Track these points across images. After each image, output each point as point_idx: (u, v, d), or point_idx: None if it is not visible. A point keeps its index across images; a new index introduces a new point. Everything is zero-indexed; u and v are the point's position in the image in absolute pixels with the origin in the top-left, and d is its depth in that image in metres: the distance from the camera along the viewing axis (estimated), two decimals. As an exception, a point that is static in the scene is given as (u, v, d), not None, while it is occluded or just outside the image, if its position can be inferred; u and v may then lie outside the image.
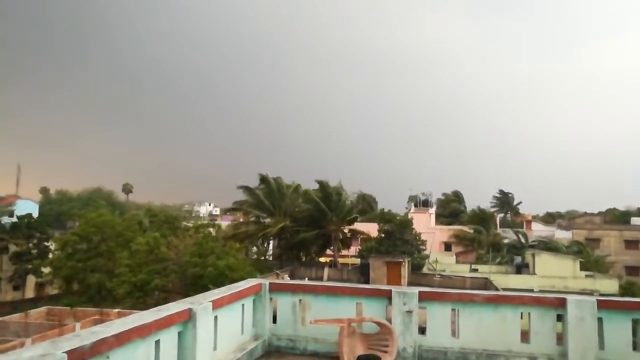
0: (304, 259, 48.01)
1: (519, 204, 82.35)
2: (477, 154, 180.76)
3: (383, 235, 45.02)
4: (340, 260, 46.46)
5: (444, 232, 62.01)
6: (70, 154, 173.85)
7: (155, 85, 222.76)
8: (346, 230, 45.81)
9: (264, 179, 45.79)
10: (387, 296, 6.89)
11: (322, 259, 48.36)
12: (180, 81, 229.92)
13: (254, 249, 49.89)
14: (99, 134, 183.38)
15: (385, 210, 53.75)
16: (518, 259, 47.85)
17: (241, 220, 53.89)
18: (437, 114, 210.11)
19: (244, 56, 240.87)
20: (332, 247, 45.94)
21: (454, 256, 54.79)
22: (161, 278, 32.24)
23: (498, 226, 64.67)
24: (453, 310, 6.82)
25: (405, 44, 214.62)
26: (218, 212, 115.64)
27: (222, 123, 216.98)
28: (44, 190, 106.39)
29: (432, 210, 68.05)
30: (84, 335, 3.78)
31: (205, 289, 28.98)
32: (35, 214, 61.32)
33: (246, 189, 46.04)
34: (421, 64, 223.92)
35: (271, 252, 51.65)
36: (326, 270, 39.49)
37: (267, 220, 45.63)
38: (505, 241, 57.47)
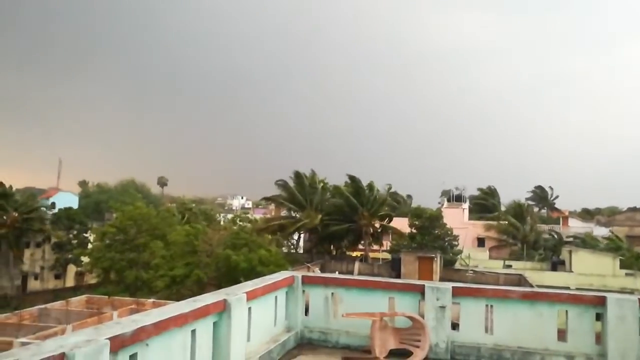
0: (334, 253, 48.14)
1: (555, 198, 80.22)
2: (513, 149, 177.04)
3: (414, 230, 44.65)
4: (371, 254, 46.37)
5: (478, 228, 60.97)
6: (109, 148, 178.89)
7: (193, 81, 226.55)
8: (377, 225, 45.64)
9: (297, 175, 46.13)
10: (420, 291, 6.85)
11: (353, 253, 48.39)
12: (217, 76, 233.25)
13: (285, 242, 50.30)
14: (135, 128, 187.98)
15: (418, 205, 53.26)
16: (554, 256, 46.69)
17: (273, 213, 54.42)
18: (472, 110, 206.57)
19: (281, 53, 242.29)
20: (362, 242, 45.88)
21: (487, 252, 53.86)
22: (198, 269, 32.89)
23: (534, 221, 63.08)
24: (487, 306, 6.73)
25: (436, 41, 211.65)
26: (250, 205, 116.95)
27: (256, 118, 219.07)
28: (83, 183, 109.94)
29: (466, 205, 66.97)
30: (124, 323, 3.91)
31: (237, 281, 29.47)
32: (75, 206, 63.48)
33: (281, 184, 46.46)
34: (456, 60, 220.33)
35: (302, 245, 51.98)
36: (357, 265, 39.49)
37: (299, 214, 45.94)
38: (543, 237, 56.12)
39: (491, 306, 6.71)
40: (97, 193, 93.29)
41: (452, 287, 6.79)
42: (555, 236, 54.78)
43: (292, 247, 49.85)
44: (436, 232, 43.88)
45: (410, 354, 6.49)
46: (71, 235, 54.33)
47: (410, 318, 6.72)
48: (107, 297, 30.65)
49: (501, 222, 59.15)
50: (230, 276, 32.72)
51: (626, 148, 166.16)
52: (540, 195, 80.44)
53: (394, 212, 49.49)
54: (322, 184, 46.88)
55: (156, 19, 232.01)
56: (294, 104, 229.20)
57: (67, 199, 70.71)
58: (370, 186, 44.45)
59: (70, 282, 55.74)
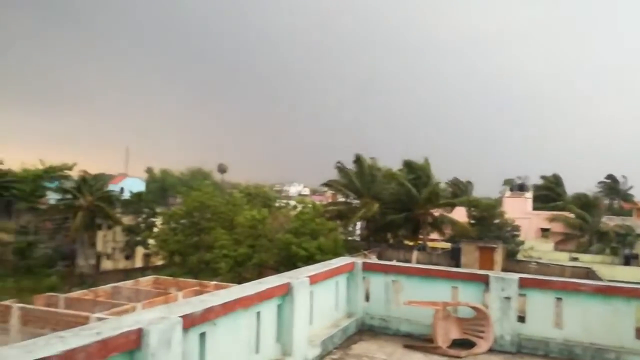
0: (391, 241, 47.82)
1: (629, 189, 75.31)
2: (582, 135, 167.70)
3: (473, 220, 43.52)
4: (430, 244, 45.69)
5: (542, 218, 58.46)
6: (173, 136, 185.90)
7: (251, 66, 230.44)
8: (436, 214, 44.83)
9: (358, 159, 45.52)
10: (484, 281, 6.67)
11: (410, 242, 47.86)
12: (275, 62, 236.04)
13: (341, 229, 50.51)
14: (197, 117, 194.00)
15: (477, 195, 51.82)
16: (628, 250, 44.04)
17: (330, 200, 54.70)
18: (537, 96, 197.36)
19: (337, 38, 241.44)
20: (420, 231, 45.25)
21: (552, 244, 51.60)
22: (259, 254, 33.75)
23: (604, 212, 59.66)
24: (556, 299, 6.45)
25: (494, 22, 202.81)
26: (307, 192, 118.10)
27: (314, 104, 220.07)
28: (149, 170, 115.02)
29: (529, 194, 64.32)
30: (194, 302, 4.06)
31: (295, 266, 29.99)
32: (142, 191, 66.60)
33: (340, 169, 46.22)
34: (521, 42, 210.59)
35: (358, 232, 52.00)
36: (415, 254, 39.06)
37: (355, 201, 45.88)
38: (615, 230, 52.99)
39: (560, 299, 6.43)
40: (162, 179, 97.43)
41: (519, 277, 6.56)
42: (627, 229, 51.54)
43: (349, 234, 50.00)
44: (496, 222, 42.57)
45: (473, 344, 6.36)
46: (140, 219, 57.15)
47: (474, 308, 6.57)
48: (172, 278, 32.08)
49: (567, 212, 56.39)
50: (289, 261, 33.39)
51: None
52: (612, 185, 75.78)
53: (453, 199, 48.28)
54: (380, 171, 46.39)
55: (215, 10, 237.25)
56: (350, 91, 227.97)
57: (135, 185, 74.37)
58: (428, 173, 43.57)
59: (138, 263, 58.82)
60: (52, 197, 59.35)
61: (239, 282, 29.67)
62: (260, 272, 35.40)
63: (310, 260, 30.08)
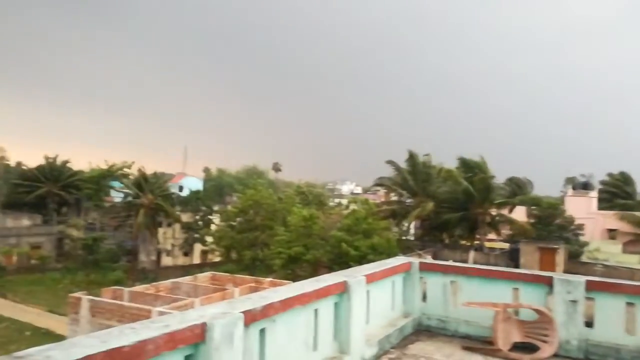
0: (446, 241, 46.86)
1: None
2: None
3: (533, 220, 41.85)
4: (487, 244, 44.39)
5: (608, 218, 55.35)
6: (228, 136, 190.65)
7: (305, 66, 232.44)
8: (493, 213, 43.49)
9: (411, 156, 44.66)
10: (548, 283, 6.41)
11: (467, 242, 46.69)
12: (327, 60, 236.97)
13: (395, 228, 49.99)
14: (252, 117, 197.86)
15: (538, 194, 49.77)
16: None
17: (382, 199, 54.30)
18: (599, 90, 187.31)
19: (390, 34, 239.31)
20: (477, 230, 44.04)
21: (620, 245, 48.74)
22: (312, 251, 34.03)
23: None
24: (627, 304, 6.10)
25: (556, 18, 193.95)
26: (360, 191, 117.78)
27: (367, 103, 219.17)
28: (206, 169, 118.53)
29: (594, 193, 61.08)
30: (254, 298, 4.15)
31: (348, 265, 30.01)
32: (200, 190, 68.79)
33: (392, 164, 45.59)
34: (586, 36, 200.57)
35: (413, 232, 51.30)
36: (471, 254, 38.09)
37: (409, 200, 45.26)
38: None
39: (632, 304, 6.08)
40: (220, 177, 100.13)
41: (586, 280, 6.25)
42: None
43: (402, 233, 49.43)
44: (558, 221, 40.75)
45: (536, 348, 6.13)
46: (197, 217, 59.07)
47: (537, 311, 6.33)
48: (229, 274, 32.90)
49: (637, 212, 53.05)
50: (342, 260, 33.47)
51: None
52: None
53: (512, 198, 46.55)
54: (435, 169, 45.43)
55: (273, 7, 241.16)
56: (403, 87, 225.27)
57: (193, 184, 76.92)
58: (485, 171, 42.26)
59: (196, 259, 60.82)
60: (116, 196, 62.43)
61: (293, 280, 30.09)
62: (314, 269, 35.68)
63: (363, 259, 29.99)
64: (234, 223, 45.47)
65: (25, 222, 58.96)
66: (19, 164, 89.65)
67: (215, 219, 55.76)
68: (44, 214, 62.09)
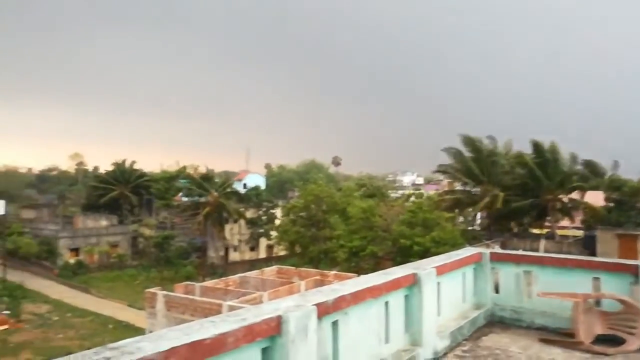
0: (514, 230, 45.08)
1: None
2: None
3: (611, 204, 39.34)
4: (559, 231, 42.30)
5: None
6: (288, 132, 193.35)
7: (364, 59, 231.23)
8: (565, 199, 41.30)
9: (474, 141, 42.70)
10: (633, 272, 6.04)
11: (536, 230, 44.68)
12: (388, 52, 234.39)
13: (460, 218, 48.73)
14: (312, 112, 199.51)
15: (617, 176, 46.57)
16: None
17: (446, 189, 53.07)
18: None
19: (450, 22, 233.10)
20: (548, 218, 42.05)
21: None
22: (373, 245, 33.92)
23: None
24: None
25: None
26: (422, 182, 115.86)
27: (427, 91, 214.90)
28: (268, 166, 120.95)
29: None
30: (326, 291, 4.19)
31: (411, 258, 29.65)
32: (262, 186, 70.36)
33: (452, 151, 43.92)
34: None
35: (479, 221, 49.83)
36: (542, 243, 36.47)
37: (474, 188, 43.77)
38: None
39: None
40: (281, 173, 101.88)
41: (677, 269, 5.83)
42: None
43: (468, 223, 48.12)
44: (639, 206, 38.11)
45: (622, 341, 5.79)
46: (261, 212, 60.44)
47: (621, 301, 5.97)
48: (294, 268, 33.46)
49: None
50: (404, 253, 33.13)
51: None
52: None
53: (586, 183, 43.81)
54: (501, 155, 43.37)
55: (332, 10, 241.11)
56: (465, 74, 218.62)
57: (256, 180, 78.75)
58: (556, 155, 40.04)
59: (262, 253, 62.30)
60: (184, 195, 65.11)
61: (357, 272, 30.16)
62: (377, 262, 35.56)
63: (426, 253, 29.52)
64: (296, 218, 46.15)
65: (103, 222, 62.80)
66: (95, 168, 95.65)
67: (278, 213, 56.85)
68: (119, 215, 65.90)
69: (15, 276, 50.45)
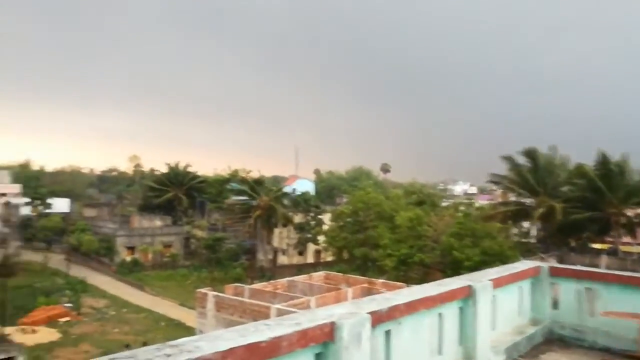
0: (572, 244, 43.05)
1: None
2: None
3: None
4: (622, 248, 40.04)
5: None
6: (338, 138, 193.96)
7: (414, 65, 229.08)
8: (630, 214, 39.04)
9: (529, 153, 41.25)
10: None
11: (597, 246, 42.49)
12: (441, 60, 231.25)
13: (514, 230, 47.18)
14: (361, 118, 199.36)
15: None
16: None
17: (500, 200, 51.54)
18: None
19: (506, 32, 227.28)
20: (610, 233, 39.89)
21: None
22: (422, 254, 33.38)
23: None
24: None
25: None
26: (474, 191, 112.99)
27: (480, 100, 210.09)
28: (317, 171, 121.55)
29: None
30: (379, 300, 4.16)
31: (461, 269, 28.91)
32: (312, 192, 70.78)
33: (509, 160, 42.52)
34: None
35: (534, 233, 48.02)
36: (604, 259, 34.61)
37: (529, 200, 42.20)
38: None
39: None
40: (330, 179, 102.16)
41: None
42: None
43: (522, 236, 46.49)
44: None
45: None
46: (309, 217, 60.78)
47: (695, 325, 5.58)
48: (342, 274, 33.36)
49: None
50: (454, 264, 32.38)
51: None
52: None
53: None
54: (560, 166, 41.52)
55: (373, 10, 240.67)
56: (522, 85, 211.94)
57: (305, 185, 79.30)
58: (620, 167, 37.96)
59: (310, 258, 62.57)
60: (235, 198, 66.50)
61: (405, 281, 29.72)
62: (427, 272, 34.93)
63: (477, 265, 28.72)
64: (344, 224, 46.09)
65: (158, 222, 65.11)
66: (151, 170, 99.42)
67: (326, 218, 56.99)
68: (172, 216, 68.11)
69: (77, 271, 53.16)
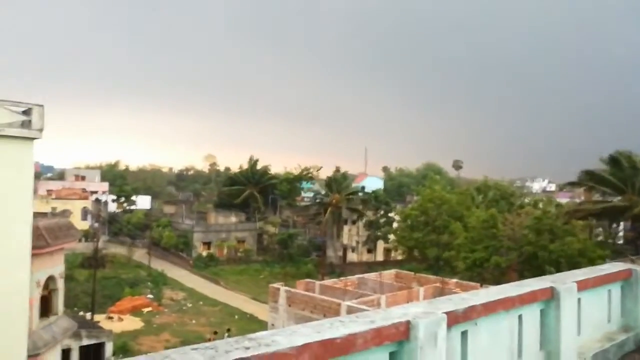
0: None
1: None
2: None
3: None
4: None
5: None
6: (407, 136, 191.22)
7: (484, 58, 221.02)
8: None
9: (613, 159, 38.40)
10: None
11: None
12: (516, 56, 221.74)
13: (599, 229, 44.28)
14: (432, 116, 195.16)
15: None
16: None
17: (582, 198, 48.53)
18: None
19: (580, 28, 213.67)
20: None
21: None
22: (498, 255, 32.19)
23: None
24: None
25: None
26: (553, 189, 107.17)
27: (559, 94, 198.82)
28: (385, 169, 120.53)
29: None
30: (455, 300, 4.04)
31: (539, 269, 27.52)
32: (381, 189, 70.28)
33: (609, 160, 39.51)
34: None
35: (621, 234, 44.80)
36: None
37: (616, 199, 39.26)
38: None
39: None
40: (399, 177, 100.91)
41: None
42: None
43: (608, 236, 43.49)
44: None
45: None
46: (379, 215, 60.41)
47: None
48: (413, 273, 32.87)
49: None
50: (532, 264, 30.89)
51: None
52: None
53: None
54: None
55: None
56: (606, 79, 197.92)
57: (374, 183, 78.90)
58: None
59: (379, 256, 62.19)
60: (306, 195, 67.47)
61: (479, 282, 28.73)
62: (502, 272, 33.56)
63: (558, 264, 27.22)
64: (415, 223, 45.29)
65: (233, 219, 67.42)
66: (227, 168, 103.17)
67: (397, 217, 56.37)
68: (246, 212, 70.19)
69: (157, 264, 56.28)
